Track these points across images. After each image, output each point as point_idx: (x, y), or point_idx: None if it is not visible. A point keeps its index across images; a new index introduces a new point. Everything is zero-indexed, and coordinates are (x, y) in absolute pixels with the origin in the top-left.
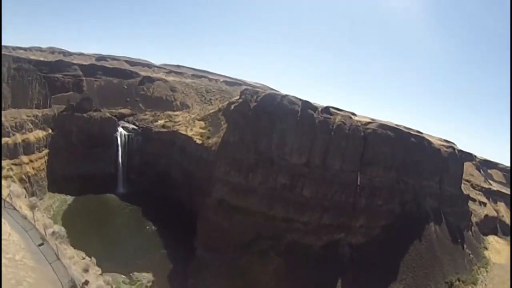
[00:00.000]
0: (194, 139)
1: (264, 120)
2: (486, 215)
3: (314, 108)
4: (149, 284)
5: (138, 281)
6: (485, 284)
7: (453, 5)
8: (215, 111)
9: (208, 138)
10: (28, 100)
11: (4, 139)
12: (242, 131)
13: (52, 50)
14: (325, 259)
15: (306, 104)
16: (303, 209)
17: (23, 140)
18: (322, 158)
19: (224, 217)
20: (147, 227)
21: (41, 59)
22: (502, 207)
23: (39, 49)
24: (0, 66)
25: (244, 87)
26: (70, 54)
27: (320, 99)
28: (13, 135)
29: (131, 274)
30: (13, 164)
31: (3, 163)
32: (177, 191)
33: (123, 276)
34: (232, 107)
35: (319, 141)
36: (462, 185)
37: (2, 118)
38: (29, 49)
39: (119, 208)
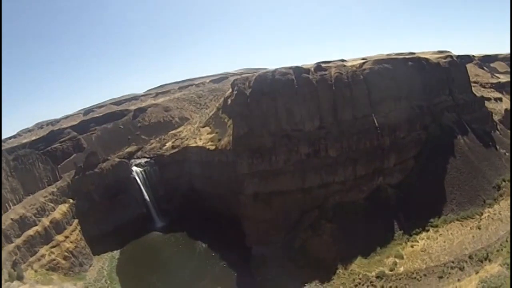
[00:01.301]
0: (207, 147)
1: (265, 101)
2: (506, 110)
3: (307, 70)
4: None
5: None
6: None
7: None
8: (215, 112)
9: (219, 140)
10: (39, 181)
11: (33, 229)
12: (249, 120)
13: (40, 125)
14: (373, 208)
15: (298, 70)
16: (335, 169)
17: (50, 222)
18: (334, 114)
19: (264, 208)
20: (198, 247)
21: (33, 138)
22: None
23: (28, 130)
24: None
25: (231, 78)
26: (57, 121)
27: (306, 58)
28: (39, 221)
29: None
30: (51, 247)
31: (42, 250)
32: (210, 202)
33: None
34: (229, 101)
35: (324, 99)
36: (472, 88)
37: (23, 210)
38: (18, 134)
39: (165, 241)
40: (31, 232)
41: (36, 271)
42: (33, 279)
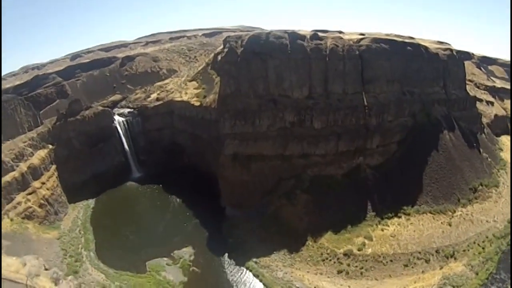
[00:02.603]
0: (191, 103)
1: (255, 63)
2: (496, 115)
3: (303, 37)
4: (191, 258)
5: (181, 258)
6: (507, 186)
7: None
8: (204, 67)
9: (205, 97)
10: (19, 127)
11: (11, 174)
12: (237, 79)
13: (25, 69)
14: (349, 186)
15: (294, 35)
16: (317, 142)
17: (28, 167)
18: (324, 86)
19: (242, 170)
20: (173, 203)
21: (17, 83)
22: (509, 105)
23: (13, 74)
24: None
25: (224, 34)
26: (44, 65)
27: (303, 23)
28: (17, 166)
29: (172, 254)
30: (27, 194)
31: (19, 197)
32: (189, 158)
33: (165, 258)
34: (219, 58)
35: (316, 69)
36: (466, 86)
37: (1, 155)
38: (3, 78)
39: (140, 193)
40: (8, 178)
41: (12, 219)
42: (9, 228)
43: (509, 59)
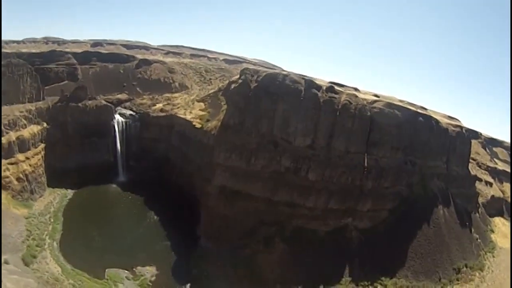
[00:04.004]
0: (193, 123)
1: (265, 102)
2: (493, 196)
3: (318, 87)
4: (152, 279)
5: (142, 276)
6: (492, 270)
7: None
8: (215, 91)
9: (208, 121)
10: (20, 95)
11: None
12: (243, 113)
13: (46, 40)
14: (332, 245)
15: (310, 83)
16: (308, 194)
17: (17, 138)
18: (328, 140)
19: (226, 205)
20: (149, 218)
21: (33, 51)
22: (508, 188)
23: (34, 40)
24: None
25: (244, 64)
26: (65, 42)
27: (322, 73)
28: (7, 133)
29: (134, 269)
30: (9, 163)
31: None
32: (177, 177)
33: (126, 271)
34: (232, 86)
35: (324, 122)
36: (469, 164)
37: None
38: (23, 41)
39: (121, 198)
40: None
41: None
42: None
43: None
